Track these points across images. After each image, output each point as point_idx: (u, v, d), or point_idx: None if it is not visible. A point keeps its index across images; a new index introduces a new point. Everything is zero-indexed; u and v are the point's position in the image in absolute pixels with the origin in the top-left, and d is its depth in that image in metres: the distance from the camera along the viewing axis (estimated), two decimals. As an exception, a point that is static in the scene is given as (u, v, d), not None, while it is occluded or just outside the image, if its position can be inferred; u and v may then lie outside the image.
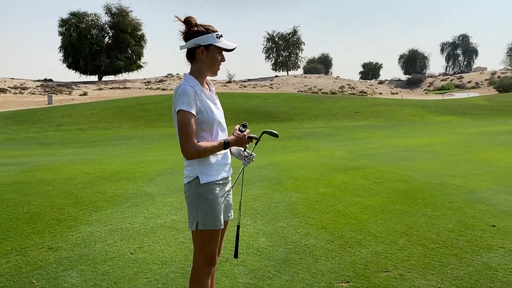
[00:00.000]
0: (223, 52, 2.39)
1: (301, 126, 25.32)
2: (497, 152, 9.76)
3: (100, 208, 5.38)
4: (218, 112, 2.43)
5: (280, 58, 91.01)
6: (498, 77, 77.11)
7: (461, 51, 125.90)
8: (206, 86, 2.46)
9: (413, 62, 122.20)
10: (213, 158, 2.35)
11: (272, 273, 3.38)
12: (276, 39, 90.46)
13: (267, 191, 6.20)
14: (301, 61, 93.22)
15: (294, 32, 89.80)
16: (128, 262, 3.64)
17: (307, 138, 17.58)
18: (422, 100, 45.03)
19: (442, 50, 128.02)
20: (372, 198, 5.69)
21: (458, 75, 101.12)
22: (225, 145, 2.33)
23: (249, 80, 78.23)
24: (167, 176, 7.48)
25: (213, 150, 2.31)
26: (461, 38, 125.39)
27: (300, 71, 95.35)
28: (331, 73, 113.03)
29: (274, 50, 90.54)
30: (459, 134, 15.75)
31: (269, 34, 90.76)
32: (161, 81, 66.61)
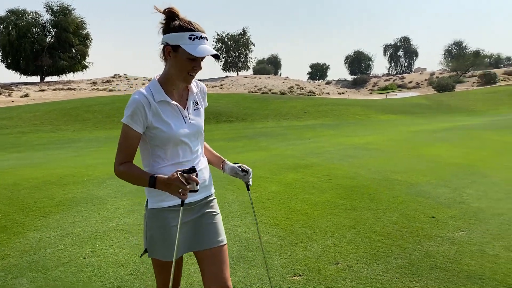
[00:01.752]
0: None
1: (252, 126, 25.52)
2: (436, 149, 10.35)
3: (48, 214, 5.22)
4: (184, 129, 1.98)
5: (230, 58, 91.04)
6: (436, 77, 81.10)
7: (402, 52, 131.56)
8: (180, 93, 2.04)
9: (358, 63, 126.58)
10: None
11: (228, 270, 3.45)
12: (226, 39, 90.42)
13: (220, 191, 6.26)
14: (250, 62, 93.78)
15: (244, 33, 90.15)
16: (81, 267, 3.59)
17: (258, 138, 17.76)
18: (367, 99, 46.67)
19: (385, 51, 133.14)
20: (322, 194, 5.91)
21: (400, 75, 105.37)
22: (151, 180, 1.85)
23: (199, 80, 77.61)
24: (118, 179, 7.34)
25: (134, 181, 1.92)
26: (402, 40, 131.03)
27: (250, 71, 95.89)
28: (280, 74, 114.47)
29: (224, 50, 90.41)
30: (401, 132, 16.52)
31: (218, 34, 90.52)
32: (108, 81, 64.60)
